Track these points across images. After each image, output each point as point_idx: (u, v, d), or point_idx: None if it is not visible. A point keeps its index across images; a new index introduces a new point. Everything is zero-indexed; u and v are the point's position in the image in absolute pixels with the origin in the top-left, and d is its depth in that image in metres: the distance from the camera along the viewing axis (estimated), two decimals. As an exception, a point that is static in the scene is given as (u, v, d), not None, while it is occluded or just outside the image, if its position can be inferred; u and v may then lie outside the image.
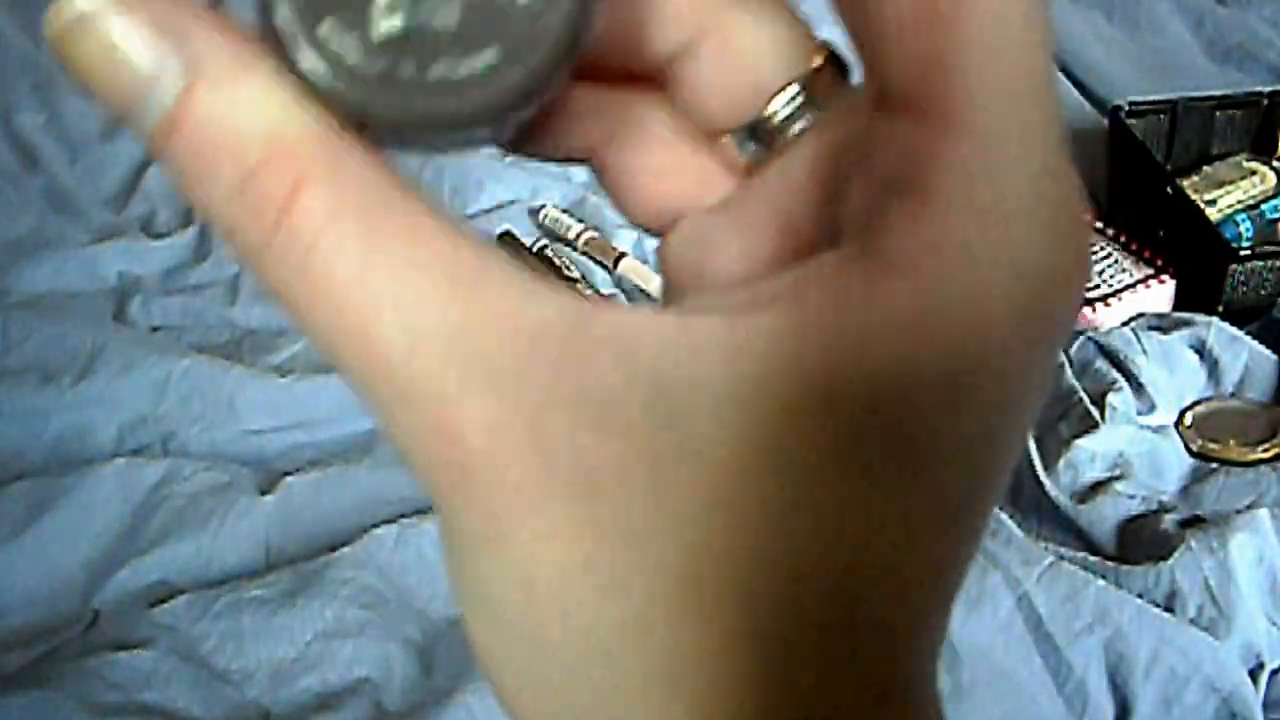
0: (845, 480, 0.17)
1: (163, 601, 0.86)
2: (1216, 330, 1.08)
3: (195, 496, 0.94)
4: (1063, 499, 0.93)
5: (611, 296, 1.17)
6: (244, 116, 0.17)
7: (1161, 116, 1.31)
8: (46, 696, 0.79)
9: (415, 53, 0.17)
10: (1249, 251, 1.11)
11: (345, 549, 0.90)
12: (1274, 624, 0.84)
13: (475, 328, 0.17)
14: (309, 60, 0.17)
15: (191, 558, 0.91)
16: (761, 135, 0.21)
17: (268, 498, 0.95)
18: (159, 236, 1.24)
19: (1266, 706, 0.81)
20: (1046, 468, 0.96)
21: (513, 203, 1.28)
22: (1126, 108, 1.29)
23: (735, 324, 0.18)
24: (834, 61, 0.21)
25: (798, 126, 0.21)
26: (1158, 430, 1.02)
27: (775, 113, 0.21)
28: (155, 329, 1.14)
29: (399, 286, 0.17)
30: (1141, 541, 0.90)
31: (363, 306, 0.17)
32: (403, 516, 0.93)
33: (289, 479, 0.96)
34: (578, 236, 1.21)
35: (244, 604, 0.86)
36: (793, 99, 0.21)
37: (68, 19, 0.16)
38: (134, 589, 0.89)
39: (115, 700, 0.80)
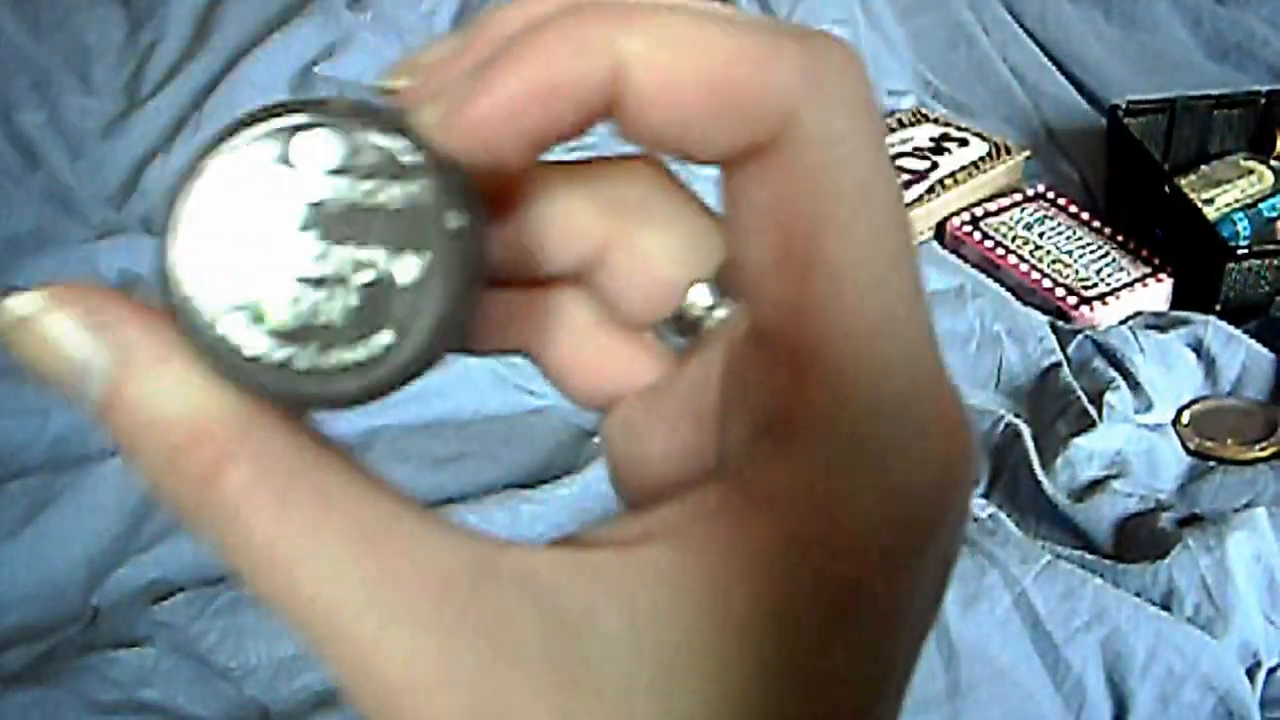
0: (738, 705, 0.19)
1: (162, 599, 0.87)
2: (1214, 329, 1.08)
3: (195, 494, 0.94)
4: (1060, 497, 0.94)
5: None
6: (167, 401, 0.19)
7: (1159, 115, 1.31)
8: (46, 694, 0.79)
9: (312, 341, 0.19)
10: (1246, 250, 1.11)
11: (345, 546, 0.90)
12: (1271, 622, 0.85)
13: (389, 576, 0.18)
14: (213, 352, 0.19)
15: (191, 555, 0.91)
16: (684, 327, 0.22)
17: (267, 495, 0.95)
18: (159, 234, 1.24)
19: (1264, 704, 0.82)
20: (1044, 466, 0.96)
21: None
22: (1124, 107, 1.29)
23: (626, 559, 0.19)
24: None
25: (719, 314, 0.22)
26: (1155, 429, 1.02)
27: (693, 304, 0.22)
28: (155, 326, 1.14)
29: (313, 548, 0.18)
30: (1139, 540, 0.90)
31: (284, 566, 0.18)
32: (402, 514, 0.93)
33: (289, 476, 0.96)
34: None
35: (243, 601, 0.86)
36: (710, 290, 0.22)
37: (10, 319, 0.19)
38: (134, 586, 0.89)
39: (115, 697, 0.80)
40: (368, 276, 0.19)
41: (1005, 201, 1.28)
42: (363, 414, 1.03)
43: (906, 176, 1.29)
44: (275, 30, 1.42)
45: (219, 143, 0.19)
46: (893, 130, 1.35)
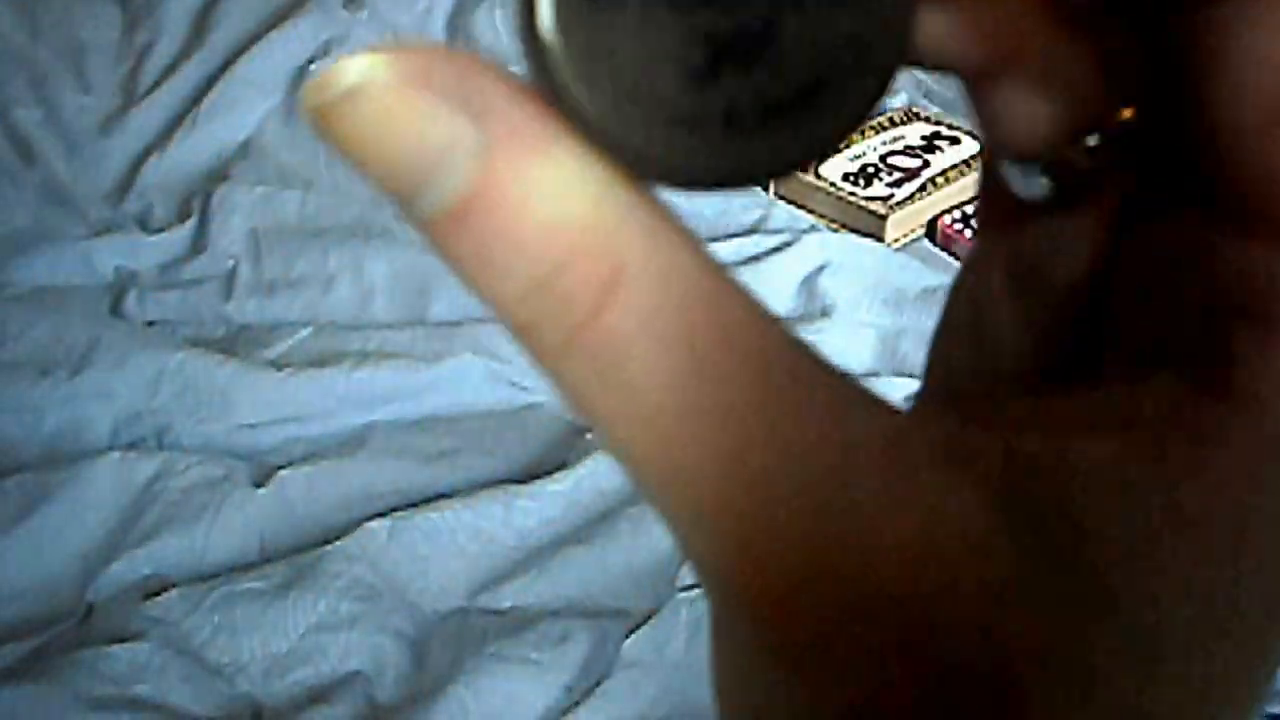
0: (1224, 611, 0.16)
1: (156, 595, 0.87)
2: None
3: (189, 490, 0.95)
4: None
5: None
6: (553, 200, 0.14)
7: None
8: (40, 689, 0.79)
9: (738, 91, 0.15)
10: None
11: (338, 542, 0.91)
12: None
13: (797, 447, 0.15)
14: (608, 137, 0.15)
15: (185, 551, 0.92)
16: (1059, 173, 0.19)
17: (261, 491, 0.95)
18: (155, 231, 1.25)
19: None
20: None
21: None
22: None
23: (1086, 449, 0.16)
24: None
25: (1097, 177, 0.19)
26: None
27: (1083, 151, 0.19)
28: (151, 323, 1.14)
29: (715, 409, 0.15)
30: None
31: (674, 427, 0.15)
32: (395, 510, 0.94)
33: (282, 473, 0.97)
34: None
35: (237, 597, 0.87)
36: (1098, 144, 0.19)
37: (337, 91, 0.14)
38: (128, 582, 0.90)
39: (108, 693, 0.80)
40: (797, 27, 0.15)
41: (998, 199, 1.28)
42: (356, 410, 1.04)
43: (897, 174, 1.29)
44: (272, 29, 1.42)
45: None
46: (884, 128, 1.36)
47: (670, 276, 0.15)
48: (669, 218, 0.15)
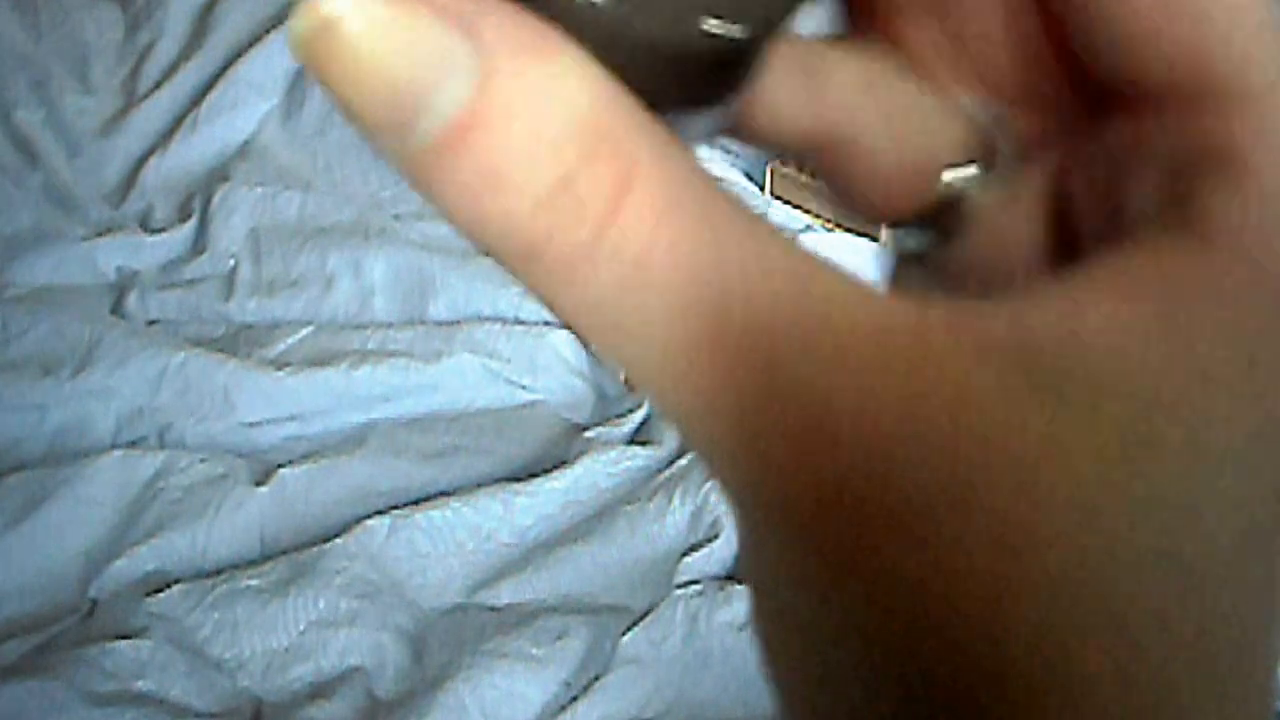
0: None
1: (158, 591, 0.88)
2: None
3: (191, 488, 0.95)
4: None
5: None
6: (558, 105, 0.14)
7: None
8: (43, 685, 0.80)
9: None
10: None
11: (338, 540, 0.91)
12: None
13: (823, 349, 0.15)
14: (595, 32, 0.14)
15: (187, 548, 0.92)
16: (940, 218, 0.20)
17: (262, 489, 0.96)
18: (156, 232, 1.25)
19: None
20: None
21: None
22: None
23: (1092, 312, 0.16)
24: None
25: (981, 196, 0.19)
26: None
27: (951, 186, 0.19)
28: (152, 323, 1.15)
29: (737, 302, 0.14)
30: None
31: (701, 326, 0.14)
32: (395, 508, 0.94)
33: (283, 471, 0.97)
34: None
35: (238, 594, 0.87)
36: (969, 173, 0.19)
37: (316, 24, 0.13)
38: (130, 579, 0.90)
39: (111, 688, 0.81)
40: None
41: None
42: (355, 409, 1.04)
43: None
44: (271, 30, 1.42)
45: None
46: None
47: (678, 176, 0.14)
48: (665, 126, 0.15)
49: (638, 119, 0.14)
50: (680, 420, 0.15)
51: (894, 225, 0.20)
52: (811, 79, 0.19)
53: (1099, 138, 0.18)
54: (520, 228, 0.14)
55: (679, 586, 0.89)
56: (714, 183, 0.15)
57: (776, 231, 0.15)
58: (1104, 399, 0.15)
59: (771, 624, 0.17)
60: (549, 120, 0.14)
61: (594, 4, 0.14)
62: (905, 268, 0.21)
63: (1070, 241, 0.19)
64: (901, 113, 0.19)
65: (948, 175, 0.19)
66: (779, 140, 0.19)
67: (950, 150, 0.19)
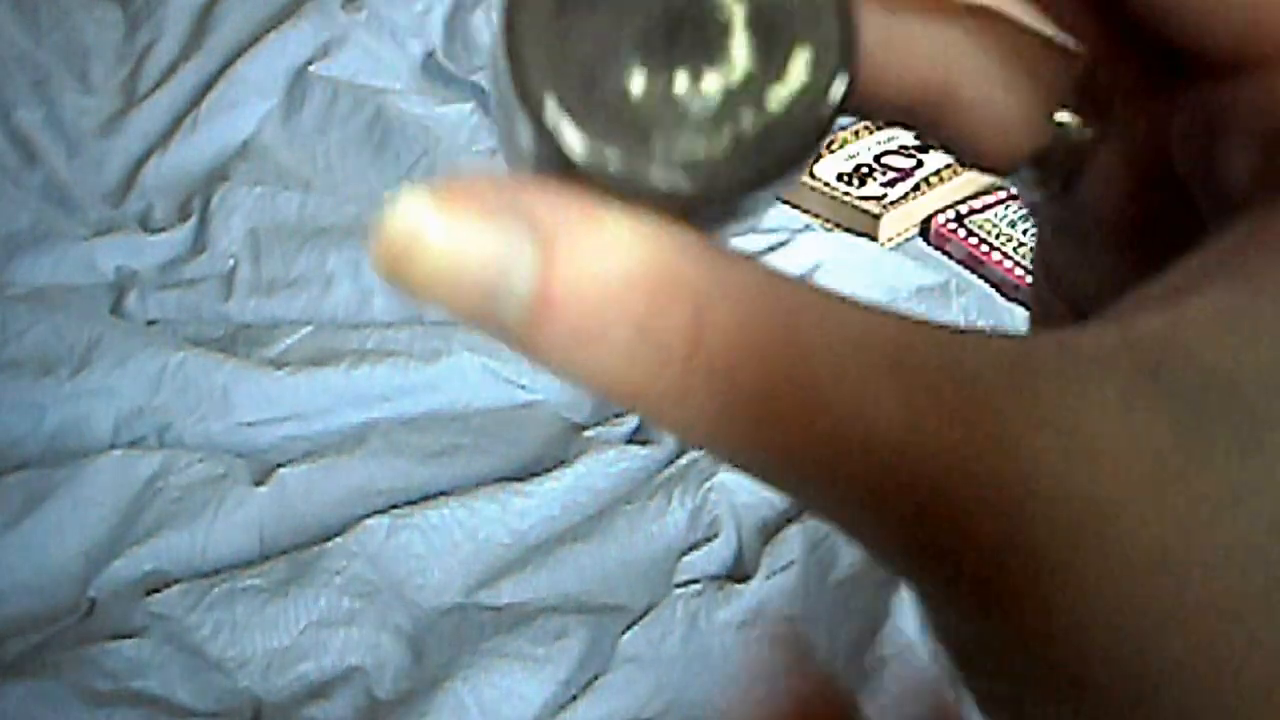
0: None
1: (157, 591, 0.88)
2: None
3: (190, 487, 0.96)
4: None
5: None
6: (616, 260, 0.15)
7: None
8: (42, 685, 0.80)
9: (736, 98, 0.16)
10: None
11: (337, 539, 0.91)
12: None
13: (942, 408, 0.15)
14: (636, 193, 0.16)
15: (186, 548, 0.92)
16: (1058, 160, 0.20)
17: (261, 489, 0.96)
18: (156, 231, 1.25)
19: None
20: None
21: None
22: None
23: (1198, 305, 0.15)
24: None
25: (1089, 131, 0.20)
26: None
27: (1063, 125, 0.20)
28: (151, 322, 1.15)
29: (844, 391, 0.15)
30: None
31: (817, 426, 0.15)
32: (394, 507, 0.94)
33: (282, 470, 0.97)
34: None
35: (237, 594, 0.88)
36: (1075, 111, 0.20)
37: (396, 246, 0.15)
38: (129, 578, 0.90)
39: (110, 688, 0.81)
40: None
41: (990, 199, 1.29)
42: (355, 408, 1.04)
43: (891, 174, 1.30)
44: (271, 30, 1.42)
45: None
46: (879, 128, 1.37)
47: (743, 291, 0.15)
48: (711, 241, 0.16)
49: (691, 252, 0.15)
50: (824, 492, 0.16)
51: (1014, 171, 0.20)
52: (900, 42, 0.19)
53: (1189, 98, 0.18)
54: (619, 379, 0.15)
55: (678, 586, 0.89)
56: (775, 276, 0.15)
57: (847, 299, 0.16)
58: (1227, 396, 0.15)
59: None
60: (609, 280, 0.15)
61: (633, 175, 0.16)
62: (1042, 213, 0.22)
63: (1176, 195, 0.19)
64: (1000, 57, 0.19)
65: (1058, 116, 0.20)
66: (880, 113, 0.20)
67: (1055, 93, 0.19)
